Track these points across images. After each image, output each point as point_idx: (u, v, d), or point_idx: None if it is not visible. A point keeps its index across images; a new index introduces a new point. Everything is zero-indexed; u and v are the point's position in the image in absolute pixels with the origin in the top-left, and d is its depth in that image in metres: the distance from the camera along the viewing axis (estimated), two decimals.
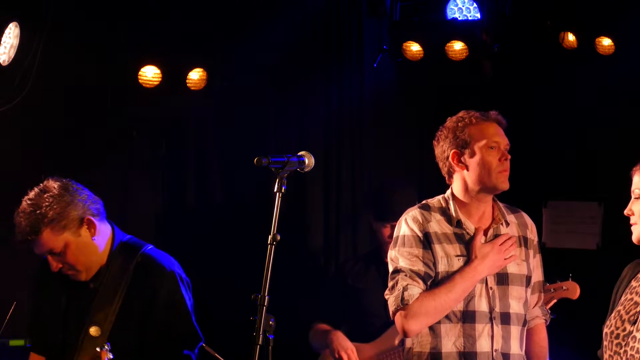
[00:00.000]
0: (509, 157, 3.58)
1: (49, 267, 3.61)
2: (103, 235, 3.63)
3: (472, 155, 3.58)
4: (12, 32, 4.48)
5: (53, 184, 3.58)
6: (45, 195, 3.53)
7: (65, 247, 3.53)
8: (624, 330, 3.04)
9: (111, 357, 3.39)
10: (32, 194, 3.56)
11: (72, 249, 3.54)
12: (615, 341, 3.05)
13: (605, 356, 3.09)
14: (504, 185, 3.58)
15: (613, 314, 3.12)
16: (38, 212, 3.50)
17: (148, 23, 5.39)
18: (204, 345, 3.66)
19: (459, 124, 3.61)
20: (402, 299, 3.47)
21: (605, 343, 3.10)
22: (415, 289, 3.48)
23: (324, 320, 4.83)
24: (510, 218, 3.68)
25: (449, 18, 5.67)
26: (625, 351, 3.01)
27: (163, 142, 5.70)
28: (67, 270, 3.59)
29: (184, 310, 3.57)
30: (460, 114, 3.66)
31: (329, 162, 5.81)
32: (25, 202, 3.55)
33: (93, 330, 3.53)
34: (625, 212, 3.16)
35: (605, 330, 3.11)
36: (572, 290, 4.38)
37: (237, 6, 5.64)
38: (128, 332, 3.53)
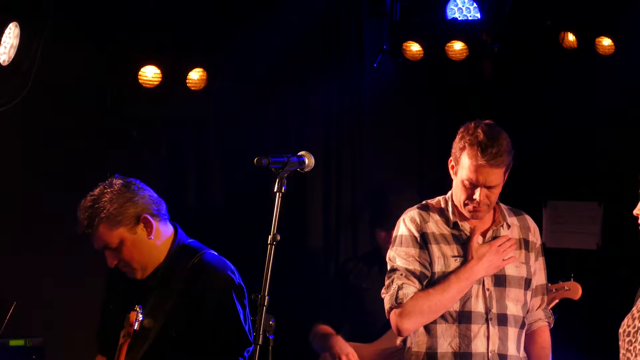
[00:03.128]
0: (480, 200, 3.44)
1: (116, 270, 3.63)
2: (161, 235, 3.64)
3: (456, 174, 3.54)
4: (12, 32, 4.48)
5: (116, 181, 3.62)
6: (106, 191, 3.58)
7: (121, 243, 3.55)
8: (634, 327, 3.04)
9: (141, 318, 3.45)
10: (95, 190, 3.60)
11: (127, 246, 3.56)
12: (627, 339, 3.05)
13: (620, 355, 3.09)
14: (473, 218, 3.53)
15: (627, 315, 3.11)
16: (96, 206, 3.54)
17: (148, 23, 5.38)
18: None
19: (458, 137, 3.51)
20: (397, 297, 3.48)
21: (620, 343, 3.10)
22: (410, 288, 3.48)
23: (324, 321, 4.82)
24: (512, 220, 3.66)
25: (449, 18, 5.66)
26: (635, 347, 3.01)
27: (163, 142, 5.70)
28: (123, 267, 3.60)
29: (232, 314, 3.50)
30: (468, 128, 3.49)
31: (329, 162, 5.80)
32: (87, 197, 3.60)
33: (146, 323, 3.52)
34: (635, 211, 3.14)
35: (620, 330, 3.10)
36: (574, 290, 4.37)
37: (237, 6, 5.64)
38: (177, 331, 3.52)
